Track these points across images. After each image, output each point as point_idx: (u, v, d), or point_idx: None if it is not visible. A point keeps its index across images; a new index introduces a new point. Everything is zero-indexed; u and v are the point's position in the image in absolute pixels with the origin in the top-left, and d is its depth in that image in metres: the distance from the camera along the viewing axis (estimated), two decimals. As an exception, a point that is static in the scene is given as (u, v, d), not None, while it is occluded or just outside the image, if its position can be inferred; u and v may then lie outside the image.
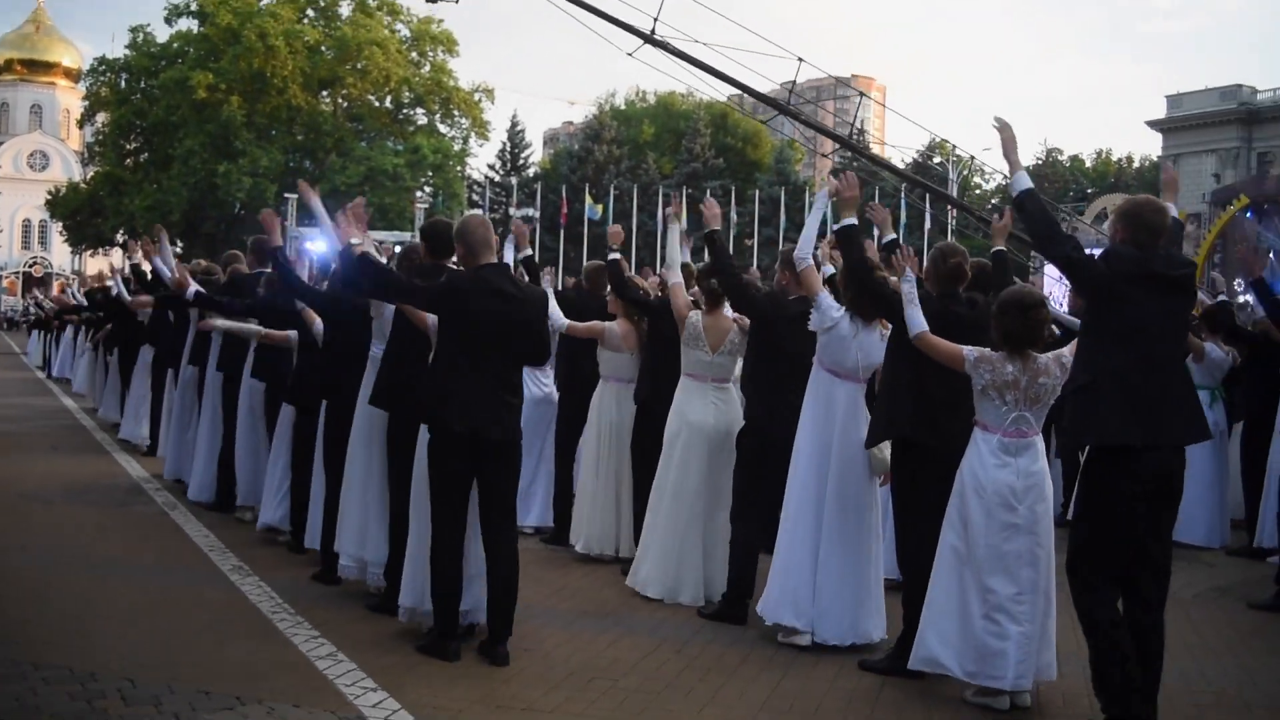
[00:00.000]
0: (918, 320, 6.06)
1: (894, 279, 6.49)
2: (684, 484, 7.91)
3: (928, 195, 52.32)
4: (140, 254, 13.81)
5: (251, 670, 6.05)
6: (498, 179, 75.39)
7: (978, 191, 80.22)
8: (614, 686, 6.01)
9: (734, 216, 59.96)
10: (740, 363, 8.08)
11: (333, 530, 7.80)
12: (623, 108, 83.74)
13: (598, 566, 8.85)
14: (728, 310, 8.09)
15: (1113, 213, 5.80)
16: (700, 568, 7.86)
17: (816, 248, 7.49)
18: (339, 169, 58.65)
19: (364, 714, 5.46)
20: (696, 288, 8.51)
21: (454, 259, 7.60)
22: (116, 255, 61.45)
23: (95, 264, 68.76)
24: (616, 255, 9.15)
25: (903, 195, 54.53)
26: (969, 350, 5.87)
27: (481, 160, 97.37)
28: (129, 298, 14.89)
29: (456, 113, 64.70)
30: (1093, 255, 5.61)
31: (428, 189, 62.47)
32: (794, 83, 28.43)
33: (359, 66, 60.86)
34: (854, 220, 6.75)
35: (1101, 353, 5.42)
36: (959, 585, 5.85)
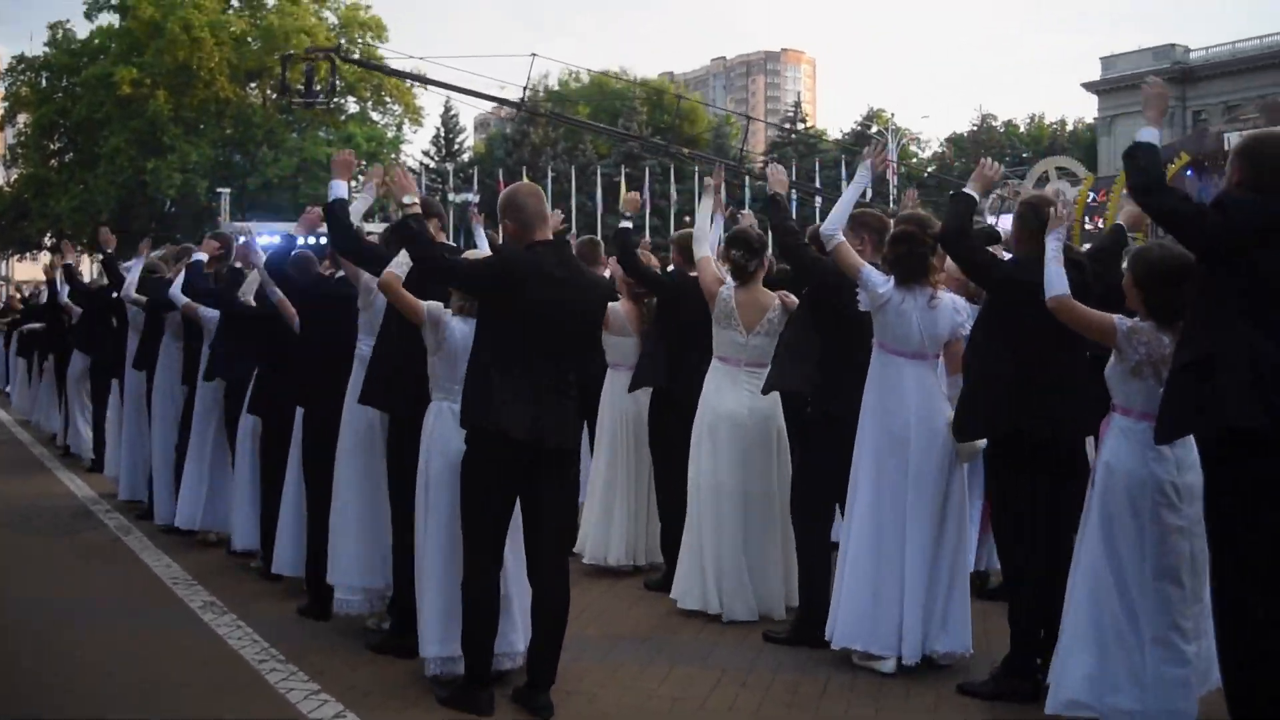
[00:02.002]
0: (1059, 281, 5.03)
1: None
2: (717, 482, 6.93)
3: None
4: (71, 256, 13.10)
5: (246, 740, 5.06)
6: (433, 165, 74.04)
7: (914, 160, 79.79)
8: (683, 737, 5.08)
9: (673, 194, 59.01)
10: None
11: (319, 558, 6.77)
12: (556, 89, 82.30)
13: (616, 580, 7.88)
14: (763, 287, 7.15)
15: (1231, 150, 4.85)
16: (747, 577, 6.89)
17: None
18: (271, 161, 57.24)
19: (393, 794, 4.50)
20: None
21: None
22: (45, 258, 59.58)
23: (23, 269, 66.61)
24: (628, 224, 8.03)
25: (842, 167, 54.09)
26: (1121, 320, 4.90)
27: (416, 147, 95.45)
28: (64, 300, 13.80)
29: (388, 99, 63.27)
30: (1203, 205, 4.70)
31: (361, 178, 60.94)
32: (675, 120, 28.97)
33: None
34: (976, 193, 5.84)
35: (1221, 321, 4.46)
36: (1107, 607, 4.85)
